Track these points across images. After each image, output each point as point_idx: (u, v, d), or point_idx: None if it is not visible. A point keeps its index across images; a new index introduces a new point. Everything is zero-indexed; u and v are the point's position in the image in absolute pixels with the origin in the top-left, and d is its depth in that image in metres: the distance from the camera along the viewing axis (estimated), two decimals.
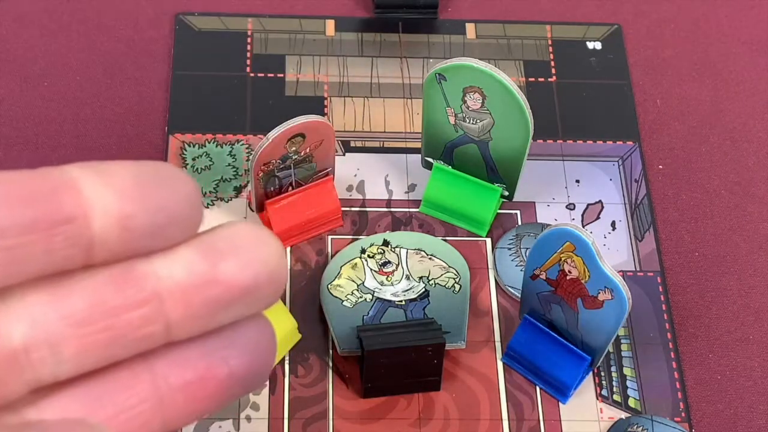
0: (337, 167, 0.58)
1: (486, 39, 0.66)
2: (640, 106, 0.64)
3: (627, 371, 0.54)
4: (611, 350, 0.54)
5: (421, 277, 0.56)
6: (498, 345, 0.54)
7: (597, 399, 0.53)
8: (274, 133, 0.52)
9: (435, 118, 0.56)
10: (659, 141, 0.63)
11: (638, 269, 0.57)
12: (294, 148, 0.54)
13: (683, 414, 0.53)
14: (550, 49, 0.66)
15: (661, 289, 0.57)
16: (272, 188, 0.56)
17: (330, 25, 0.66)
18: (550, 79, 0.65)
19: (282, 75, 0.64)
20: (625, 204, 0.60)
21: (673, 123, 0.64)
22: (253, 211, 0.58)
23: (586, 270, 0.48)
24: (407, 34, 0.66)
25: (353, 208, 0.59)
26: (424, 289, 0.55)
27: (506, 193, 0.58)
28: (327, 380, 0.53)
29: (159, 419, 0.23)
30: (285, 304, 0.54)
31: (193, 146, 0.60)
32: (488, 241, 0.58)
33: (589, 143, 0.62)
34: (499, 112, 0.54)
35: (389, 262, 0.56)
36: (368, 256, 0.56)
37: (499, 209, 0.59)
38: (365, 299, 0.55)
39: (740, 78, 0.66)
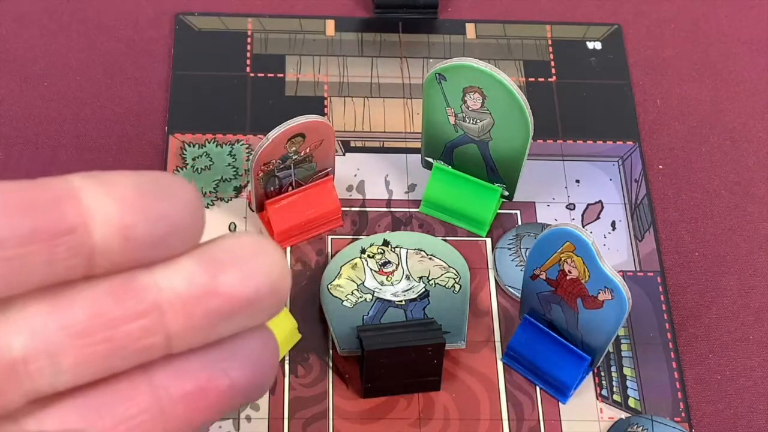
0: (337, 167, 0.58)
1: (486, 39, 0.66)
2: (640, 106, 0.64)
3: (627, 371, 0.54)
4: (611, 350, 0.54)
5: (421, 277, 0.56)
6: (498, 345, 0.54)
7: (597, 399, 0.53)
8: (274, 133, 0.52)
9: (435, 118, 0.56)
10: (659, 141, 0.63)
11: (638, 269, 0.57)
12: (294, 148, 0.54)
13: (683, 414, 0.53)
14: (550, 49, 0.66)
15: (661, 289, 0.57)
16: (272, 188, 0.56)
17: (330, 25, 0.66)
18: (550, 79, 0.65)
19: (282, 75, 0.64)
20: (625, 204, 0.60)
21: (673, 123, 0.64)
22: (253, 211, 0.58)
23: (586, 270, 0.48)
24: (407, 34, 0.66)
25: (353, 208, 0.59)
26: (424, 289, 0.55)
27: (506, 193, 0.58)
28: (327, 380, 0.53)
29: (160, 430, 0.23)
30: (285, 304, 0.54)
31: (193, 146, 0.60)
32: (488, 241, 0.58)
33: (589, 143, 0.62)
34: (499, 112, 0.54)
35: (389, 262, 0.56)
36: (368, 256, 0.56)
37: (499, 209, 0.59)
38: (365, 299, 0.55)
39: (740, 78, 0.66)
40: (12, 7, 0.66)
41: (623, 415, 0.52)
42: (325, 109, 0.63)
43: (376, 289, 0.55)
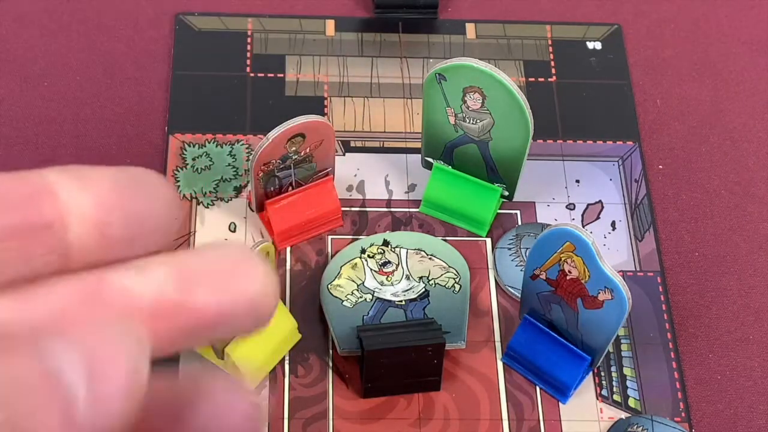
0: (337, 167, 0.58)
1: (486, 39, 0.66)
2: (640, 106, 0.64)
3: (627, 371, 0.54)
4: (611, 350, 0.54)
5: (421, 277, 0.56)
6: (498, 345, 0.54)
7: (597, 399, 0.53)
8: (274, 133, 0.52)
9: (435, 118, 0.56)
10: (659, 141, 0.63)
11: (638, 269, 0.57)
12: (294, 148, 0.54)
13: (683, 414, 0.53)
14: (550, 49, 0.66)
15: (661, 289, 0.57)
16: (272, 188, 0.56)
17: (330, 25, 0.66)
18: (550, 79, 0.65)
19: (282, 75, 0.64)
20: (625, 204, 0.60)
21: (673, 123, 0.64)
22: (253, 211, 0.58)
23: (586, 270, 0.48)
24: (407, 34, 0.66)
25: (353, 208, 0.59)
26: (424, 289, 0.55)
27: (506, 193, 0.58)
28: (327, 380, 0.53)
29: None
30: (285, 304, 0.54)
31: (193, 146, 0.60)
32: (488, 241, 0.58)
33: (589, 143, 0.62)
34: (499, 112, 0.54)
35: (389, 262, 0.56)
36: (368, 256, 0.56)
37: (499, 209, 0.59)
38: (365, 299, 0.55)
39: (740, 78, 0.66)
40: (12, 7, 0.66)
41: (623, 415, 0.52)
42: (325, 109, 0.63)
43: (376, 289, 0.55)
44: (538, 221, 0.59)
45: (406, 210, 0.59)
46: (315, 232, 0.57)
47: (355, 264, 0.56)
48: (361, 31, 0.66)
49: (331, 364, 0.53)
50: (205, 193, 0.58)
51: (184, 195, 0.58)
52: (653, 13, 0.69)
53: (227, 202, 0.58)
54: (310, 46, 0.65)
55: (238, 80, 0.63)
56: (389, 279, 0.55)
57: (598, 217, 0.59)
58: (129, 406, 0.19)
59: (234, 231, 0.57)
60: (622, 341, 0.55)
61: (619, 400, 0.53)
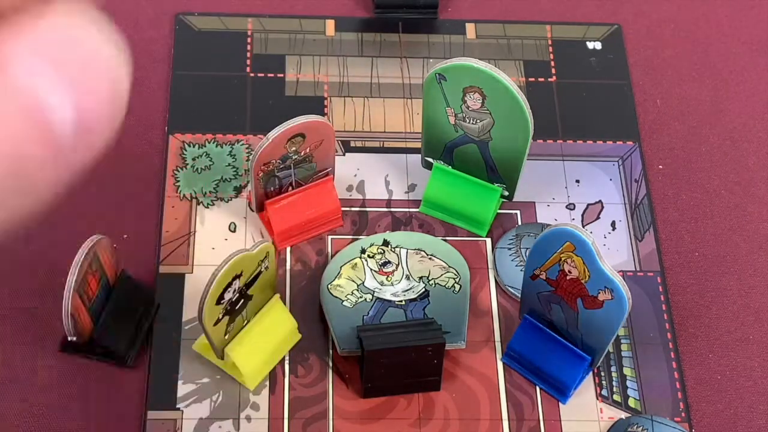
0: (337, 167, 0.58)
1: (486, 39, 0.66)
2: (640, 106, 0.64)
3: (627, 371, 0.54)
4: (611, 350, 0.54)
5: (421, 277, 0.56)
6: (498, 345, 0.54)
7: (597, 399, 0.53)
8: (274, 133, 0.52)
9: (435, 118, 0.56)
10: (659, 141, 0.63)
11: (638, 269, 0.57)
12: (294, 148, 0.54)
13: (683, 414, 0.53)
14: (550, 49, 0.66)
15: (661, 289, 0.57)
16: (272, 188, 0.56)
17: (330, 25, 0.66)
18: (550, 79, 0.65)
19: (282, 75, 0.64)
20: (625, 204, 0.60)
21: (673, 123, 0.64)
22: (253, 211, 0.58)
23: (586, 270, 0.48)
24: (407, 34, 0.66)
25: (353, 208, 0.59)
26: (424, 289, 0.55)
27: (506, 193, 0.58)
28: (327, 380, 0.53)
29: None
30: (285, 304, 0.54)
31: (193, 146, 0.60)
32: (488, 241, 0.58)
33: (589, 143, 0.62)
34: (499, 112, 0.54)
35: (389, 262, 0.56)
36: (368, 256, 0.56)
37: (499, 209, 0.59)
38: (365, 299, 0.55)
39: (740, 78, 0.66)
40: None
41: (623, 415, 0.52)
42: (325, 109, 0.63)
43: (376, 289, 0.55)
44: (538, 221, 0.59)
45: (406, 210, 0.59)
46: (315, 232, 0.57)
47: (355, 264, 0.56)
48: (361, 31, 0.66)
49: (331, 364, 0.53)
50: (205, 193, 0.58)
51: (184, 195, 0.58)
52: (653, 13, 0.69)
53: (227, 202, 0.58)
54: (310, 46, 0.65)
55: (238, 80, 0.63)
56: (389, 279, 0.55)
57: (598, 217, 0.59)
58: None
59: (234, 231, 0.57)
60: (622, 341, 0.55)
61: (619, 400, 0.53)
